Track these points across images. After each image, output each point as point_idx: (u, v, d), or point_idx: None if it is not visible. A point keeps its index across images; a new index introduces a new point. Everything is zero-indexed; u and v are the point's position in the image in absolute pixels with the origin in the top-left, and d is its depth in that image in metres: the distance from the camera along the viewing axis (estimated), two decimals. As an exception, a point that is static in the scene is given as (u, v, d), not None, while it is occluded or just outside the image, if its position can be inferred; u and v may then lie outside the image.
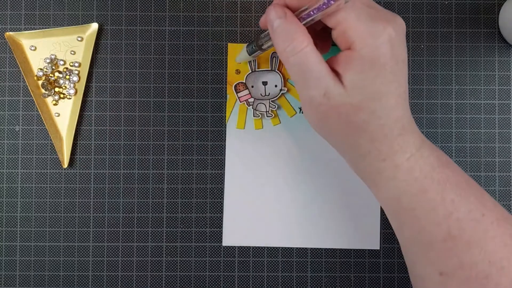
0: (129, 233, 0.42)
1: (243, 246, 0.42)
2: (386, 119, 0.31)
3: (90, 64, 0.42)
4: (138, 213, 0.42)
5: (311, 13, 0.31)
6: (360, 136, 0.31)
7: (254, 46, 0.37)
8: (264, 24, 0.36)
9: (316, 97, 0.31)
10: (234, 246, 0.42)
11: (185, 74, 0.42)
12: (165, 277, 0.42)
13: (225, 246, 0.42)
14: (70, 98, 0.42)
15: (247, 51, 0.38)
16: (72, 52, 0.42)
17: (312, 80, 0.31)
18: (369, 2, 0.32)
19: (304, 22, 0.32)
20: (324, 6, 0.30)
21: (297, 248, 0.42)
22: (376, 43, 0.29)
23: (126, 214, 0.42)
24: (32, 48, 0.42)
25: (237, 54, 0.41)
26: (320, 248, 0.42)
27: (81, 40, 0.42)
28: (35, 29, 0.42)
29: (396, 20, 0.31)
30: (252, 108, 0.41)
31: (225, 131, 0.42)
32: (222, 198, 0.42)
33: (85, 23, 0.42)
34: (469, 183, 0.32)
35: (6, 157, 0.42)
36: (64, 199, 0.42)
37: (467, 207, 0.30)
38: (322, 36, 0.35)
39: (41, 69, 0.41)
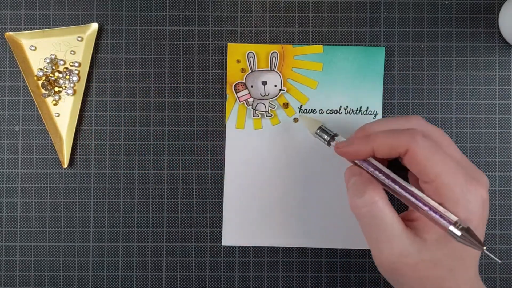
0: (129, 233, 0.42)
1: (243, 246, 0.42)
2: (461, 278, 0.30)
3: (90, 64, 0.42)
4: (138, 213, 0.42)
5: (413, 196, 0.30)
6: None
7: (326, 136, 0.37)
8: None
9: (389, 256, 0.30)
10: (234, 246, 0.42)
11: (185, 74, 0.42)
12: (165, 277, 0.42)
13: (225, 246, 0.42)
14: (70, 98, 0.42)
15: (317, 133, 0.38)
16: (72, 52, 0.42)
17: (385, 237, 0.30)
18: (461, 158, 0.31)
19: (390, 188, 0.31)
20: (433, 213, 0.29)
21: (297, 248, 0.42)
22: (469, 206, 0.29)
23: (126, 214, 0.42)
24: (32, 48, 0.42)
25: (308, 122, 0.40)
26: (321, 248, 0.42)
27: (81, 40, 0.42)
28: (35, 29, 0.42)
29: (485, 180, 0.31)
30: (252, 108, 0.41)
31: (225, 131, 0.42)
32: (222, 198, 0.42)
33: (85, 23, 0.42)
34: None
35: (6, 157, 0.42)
36: (64, 199, 0.42)
37: None
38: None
39: (41, 69, 0.41)
